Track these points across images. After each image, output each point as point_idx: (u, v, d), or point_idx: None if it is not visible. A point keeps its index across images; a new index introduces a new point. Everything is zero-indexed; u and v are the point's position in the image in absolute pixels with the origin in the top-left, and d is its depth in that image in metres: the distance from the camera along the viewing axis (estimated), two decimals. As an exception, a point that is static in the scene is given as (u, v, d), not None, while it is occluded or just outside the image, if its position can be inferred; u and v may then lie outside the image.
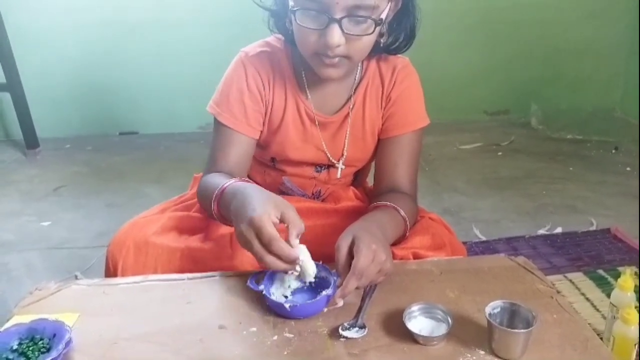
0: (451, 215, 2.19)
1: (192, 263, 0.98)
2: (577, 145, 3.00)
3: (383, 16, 0.93)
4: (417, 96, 1.12)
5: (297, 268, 0.81)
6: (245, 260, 0.98)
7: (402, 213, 0.99)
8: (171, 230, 1.03)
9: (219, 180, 0.95)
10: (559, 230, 2.06)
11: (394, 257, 0.99)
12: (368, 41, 0.94)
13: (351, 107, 1.09)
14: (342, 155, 1.13)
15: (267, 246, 0.78)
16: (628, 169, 2.68)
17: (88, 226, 2.19)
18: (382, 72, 1.10)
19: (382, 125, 1.12)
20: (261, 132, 1.10)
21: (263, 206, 0.80)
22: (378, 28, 0.93)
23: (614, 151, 2.91)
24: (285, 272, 0.82)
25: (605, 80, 3.44)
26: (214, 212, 0.94)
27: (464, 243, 1.17)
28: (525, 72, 3.40)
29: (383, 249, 0.83)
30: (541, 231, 2.06)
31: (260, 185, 1.18)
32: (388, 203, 0.99)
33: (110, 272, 1.00)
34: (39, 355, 0.72)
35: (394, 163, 1.10)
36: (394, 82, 1.09)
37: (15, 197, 2.50)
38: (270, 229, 0.78)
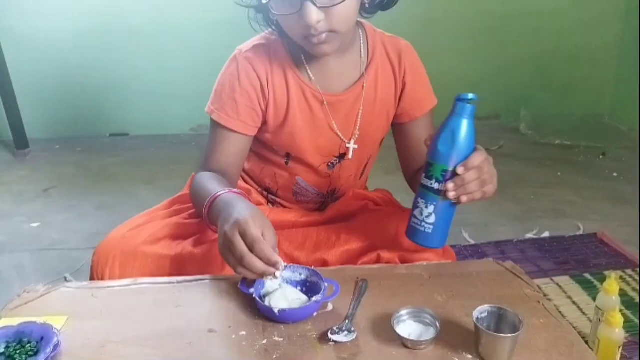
0: (441, 219, 2.20)
1: (182, 269, 0.98)
2: (565, 151, 3.03)
3: None
4: (425, 77, 1.16)
5: (277, 273, 0.81)
6: None
7: None
8: (162, 239, 1.03)
9: (212, 186, 0.96)
10: (546, 234, 2.08)
11: (381, 260, 1.01)
12: (347, 8, 0.92)
13: (364, 85, 1.08)
14: (354, 134, 1.11)
15: (250, 247, 0.79)
16: (615, 174, 2.71)
17: (78, 227, 2.18)
18: (389, 55, 1.11)
19: (398, 109, 1.13)
20: (264, 127, 1.10)
21: (250, 213, 0.82)
22: None
23: (601, 157, 2.94)
24: (262, 277, 0.82)
25: (595, 87, 3.48)
26: (204, 215, 0.94)
27: (453, 247, 1.18)
28: (515, 78, 3.43)
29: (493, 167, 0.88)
30: (529, 235, 2.08)
31: (272, 188, 1.20)
32: None
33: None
34: (26, 358, 0.71)
35: (418, 147, 1.12)
36: (404, 67, 1.10)
37: (5, 198, 2.48)
38: (254, 231, 0.79)
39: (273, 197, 1.21)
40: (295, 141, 1.10)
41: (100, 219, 2.24)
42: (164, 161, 2.86)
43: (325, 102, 1.08)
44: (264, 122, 1.10)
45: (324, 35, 0.93)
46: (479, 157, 0.84)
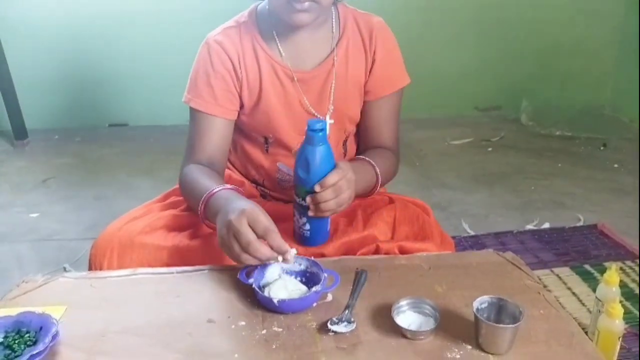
0: (441, 210, 2.20)
1: (179, 261, 0.98)
2: (566, 142, 3.02)
3: None
4: (398, 56, 1.15)
5: (280, 258, 0.83)
6: None
7: (377, 170, 1.07)
8: (159, 229, 1.02)
9: (205, 183, 0.96)
10: (546, 225, 2.08)
11: (380, 251, 1.00)
12: None
13: (334, 61, 1.09)
14: (328, 109, 1.11)
15: (262, 234, 0.81)
16: (615, 165, 2.70)
17: (77, 218, 2.18)
18: (361, 31, 1.11)
19: (367, 85, 1.13)
20: (241, 110, 1.10)
21: (254, 205, 0.85)
22: None
23: (602, 148, 2.93)
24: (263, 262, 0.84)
25: (595, 77, 3.46)
26: (200, 212, 0.95)
27: (453, 237, 1.18)
28: (516, 69, 3.41)
29: (352, 181, 0.94)
30: (529, 226, 2.08)
31: (257, 180, 1.19)
32: (366, 158, 1.08)
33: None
34: (24, 348, 0.71)
35: (379, 124, 1.15)
36: (375, 42, 1.10)
37: (4, 188, 2.48)
38: (266, 220, 0.82)
39: (263, 189, 1.20)
40: (271, 120, 1.10)
41: (99, 209, 2.23)
42: (162, 152, 2.85)
43: (295, 79, 1.08)
44: (241, 105, 1.10)
45: (307, 3, 0.94)
46: (334, 177, 0.90)
